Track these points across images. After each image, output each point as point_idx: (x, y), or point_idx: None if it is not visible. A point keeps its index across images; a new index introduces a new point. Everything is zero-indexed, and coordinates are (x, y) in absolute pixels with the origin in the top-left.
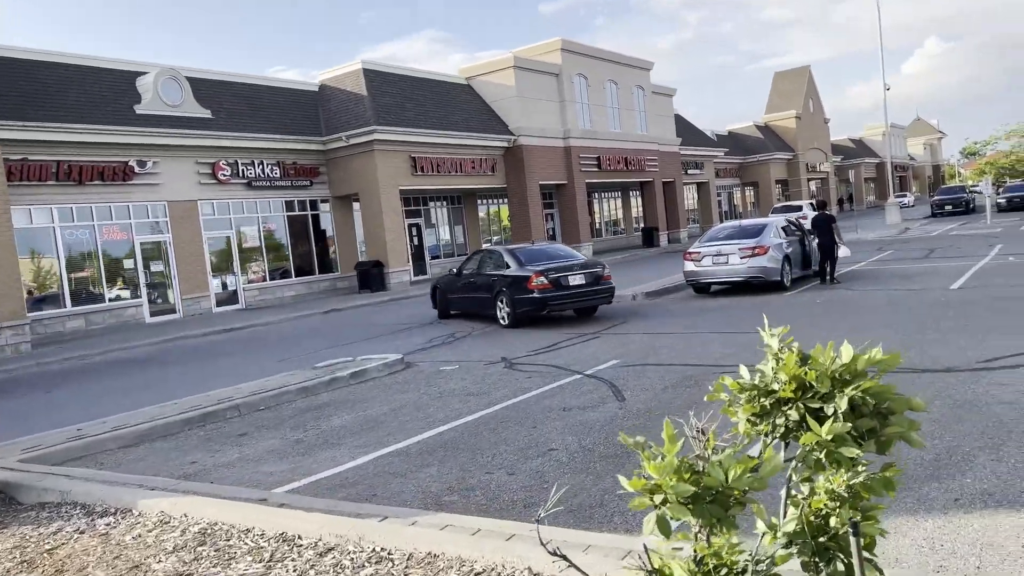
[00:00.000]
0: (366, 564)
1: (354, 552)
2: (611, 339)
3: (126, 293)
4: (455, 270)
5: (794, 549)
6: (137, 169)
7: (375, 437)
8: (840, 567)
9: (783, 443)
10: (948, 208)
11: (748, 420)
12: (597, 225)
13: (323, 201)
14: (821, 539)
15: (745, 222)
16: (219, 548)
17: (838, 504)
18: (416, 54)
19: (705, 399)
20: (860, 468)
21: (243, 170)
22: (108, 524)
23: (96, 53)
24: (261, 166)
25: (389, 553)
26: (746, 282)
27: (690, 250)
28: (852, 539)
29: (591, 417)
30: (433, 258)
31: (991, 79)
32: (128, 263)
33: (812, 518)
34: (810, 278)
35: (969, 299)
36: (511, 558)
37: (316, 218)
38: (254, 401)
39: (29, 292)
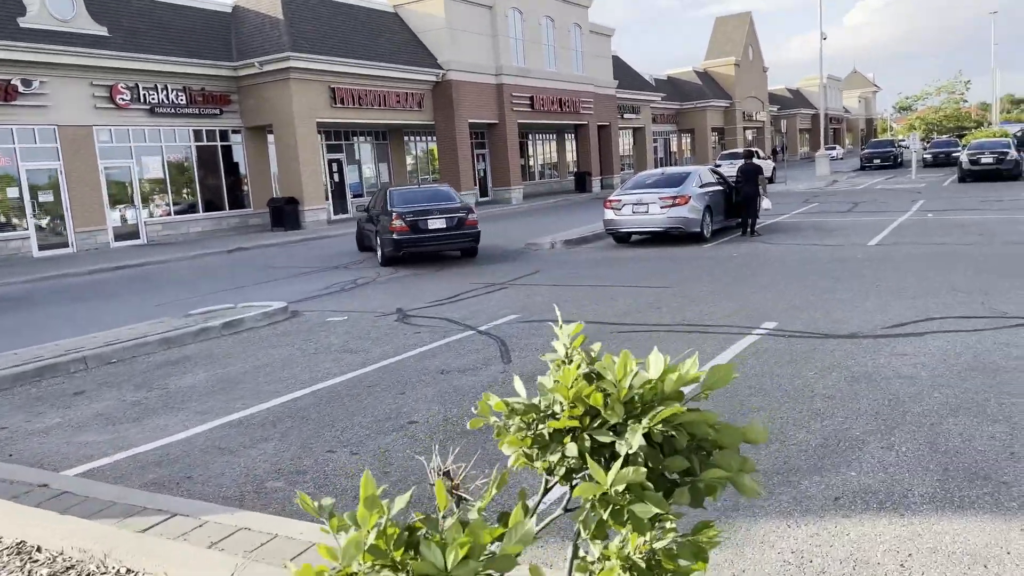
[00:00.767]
0: None
1: (96, 574)
2: (518, 290)
3: (10, 224)
4: (366, 207)
5: None
6: (21, 88)
7: (223, 401)
8: None
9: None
10: (877, 162)
11: (524, 453)
12: (532, 168)
13: (235, 132)
14: None
15: (669, 170)
16: None
17: None
18: None
19: (468, 426)
20: (668, 526)
21: (145, 95)
22: None
23: None
24: (165, 91)
25: None
26: (665, 232)
27: (611, 198)
28: None
29: (468, 382)
30: (355, 196)
31: (926, 35)
32: (12, 192)
33: None
34: (732, 229)
35: (884, 256)
36: None
37: (227, 149)
38: (106, 353)
39: None
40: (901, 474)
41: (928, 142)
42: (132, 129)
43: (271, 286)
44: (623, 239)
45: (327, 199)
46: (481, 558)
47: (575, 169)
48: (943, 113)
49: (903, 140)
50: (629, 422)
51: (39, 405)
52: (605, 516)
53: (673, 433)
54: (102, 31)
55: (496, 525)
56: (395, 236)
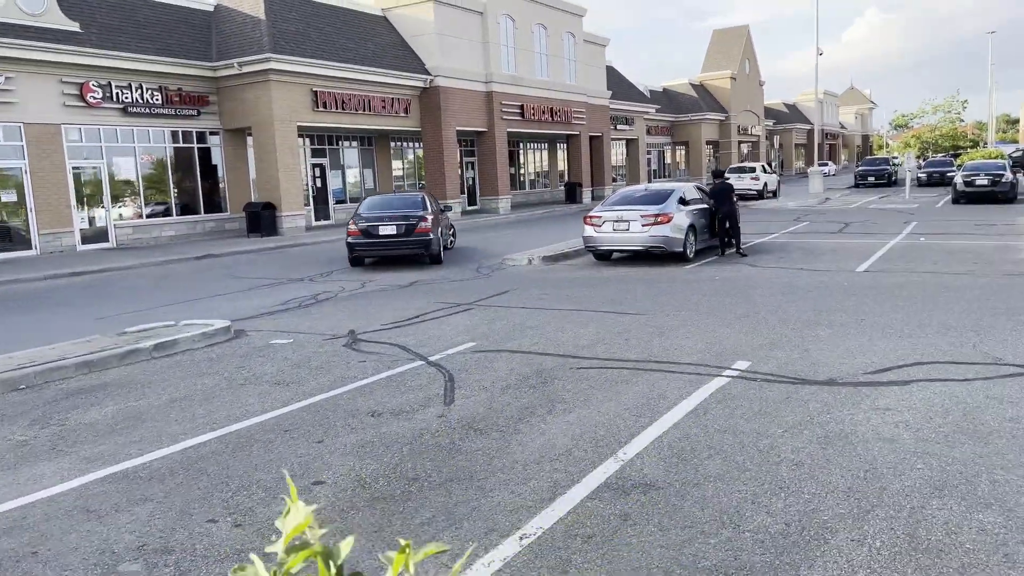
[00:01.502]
0: None
1: None
2: (482, 313)
3: None
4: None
5: None
6: None
7: (118, 444)
8: None
9: None
10: (871, 179)
11: None
12: (522, 177)
13: (212, 133)
14: None
15: (652, 186)
16: None
17: None
18: None
19: None
20: None
21: (118, 93)
22: None
23: None
24: (140, 90)
25: None
26: (647, 251)
27: (591, 213)
28: None
29: (398, 429)
30: (338, 202)
31: (924, 52)
32: None
33: None
34: (716, 248)
35: (871, 284)
36: None
37: (205, 152)
38: (15, 378)
39: None
40: None
41: (924, 160)
42: (103, 128)
43: (227, 299)
44: (603, 256)
45: (307, 205)
46: None
47: (566, 179)
48: (940, 132)
49: (897, 158)
50: None
51: None
52: None
53: None
54: (74, 26)
55: None
56: (349, 240)
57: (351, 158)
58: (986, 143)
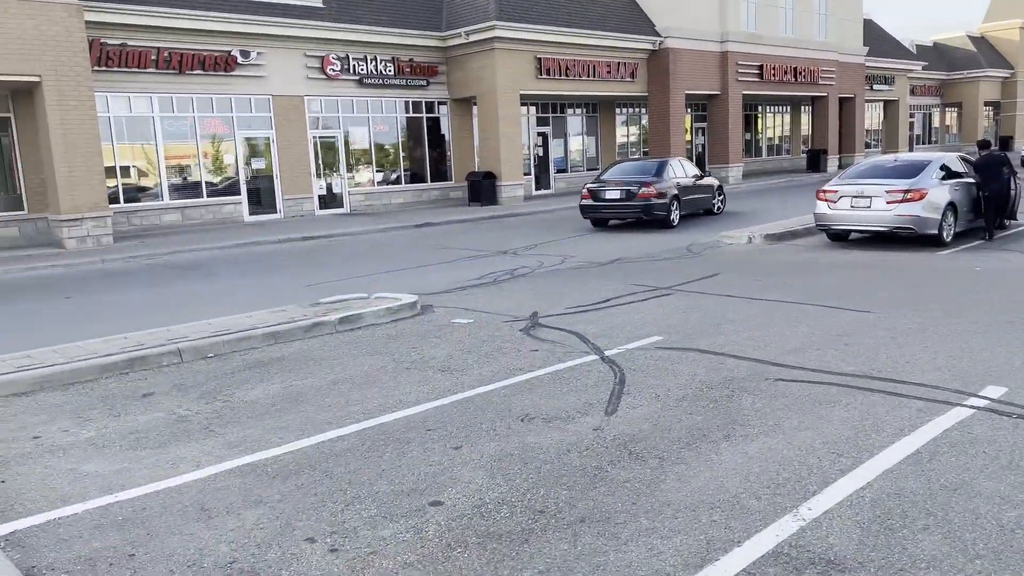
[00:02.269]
0: None
1: None
2: (679, 300)
3: (226, 190)
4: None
5: None
6: (240, 59)
7: (265, 429)
8: None
9: None
10: None
11: None
12: (758, 143)
13: (441, 103)
14: None
15: (904, 156)
16: None
17: None
18: None
19: None
20: None
21: (354, 66)
22: None
23: None
24: (374, 62)
25: None
26: (891, 233)
27: (826, 187)
28: None
29: (545, 441)
30: (559, 171)
31: None
32: (228, 158)
33: None
34: (981, 231)
35: None
36: None
37: (434, 122)
38: (203, 346)
39: (126, 184)
40: None
41: None
42: (341, 99)
43: (429, 270)
44: (839, 236)
45: (527, 174)
46: None
47: (809, 145)
48: None
49: None
50: None
51: (94, 409)
52: None
53: None
54: (317, 2)
55: None
56: (581, 203)
57: (574, 126)
58: None
